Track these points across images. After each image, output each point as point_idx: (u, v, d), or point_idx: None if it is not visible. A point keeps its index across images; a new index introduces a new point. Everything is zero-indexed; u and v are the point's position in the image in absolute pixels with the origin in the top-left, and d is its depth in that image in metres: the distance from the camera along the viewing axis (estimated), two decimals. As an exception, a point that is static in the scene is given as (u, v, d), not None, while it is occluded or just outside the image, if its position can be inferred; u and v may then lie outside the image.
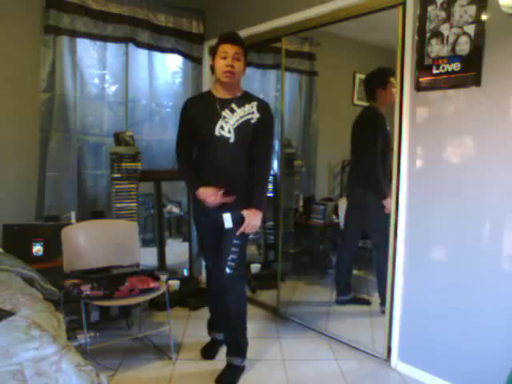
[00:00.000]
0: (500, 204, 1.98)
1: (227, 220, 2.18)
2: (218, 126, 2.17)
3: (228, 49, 2.17)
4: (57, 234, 2.49)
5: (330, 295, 3.53)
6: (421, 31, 2.18)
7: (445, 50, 2.09)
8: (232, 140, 2.17)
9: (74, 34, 3.05)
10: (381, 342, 2.53)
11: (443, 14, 2.08)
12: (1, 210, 2.82)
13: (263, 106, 2.25)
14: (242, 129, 2.18)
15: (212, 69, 2.26)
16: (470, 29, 1.98)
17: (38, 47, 2.93)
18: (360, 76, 4.10)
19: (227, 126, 2.17)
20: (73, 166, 3.11)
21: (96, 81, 3.27)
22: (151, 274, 2.58)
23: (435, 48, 2.12)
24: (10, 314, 1.52)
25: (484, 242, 2.04)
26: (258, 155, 2.23)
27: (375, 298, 3.37)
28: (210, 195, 2.16)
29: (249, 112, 2.20)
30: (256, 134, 2.20)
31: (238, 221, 2.18)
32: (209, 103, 2.24)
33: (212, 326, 2.60)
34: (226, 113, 2.19)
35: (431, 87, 2.17)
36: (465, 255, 2.11)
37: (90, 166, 3.24)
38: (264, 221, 2.08)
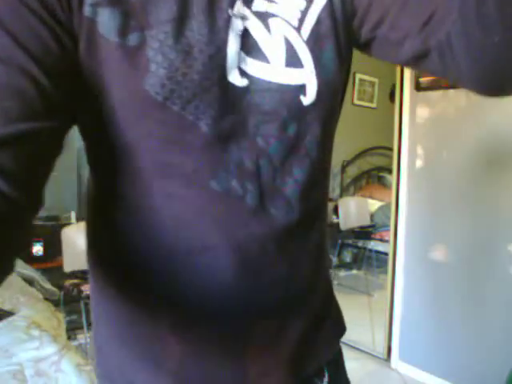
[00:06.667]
0: (500, 203, 1.98)
1: None
2: (233, 51, 0.44)
3: None
4: (57, 234, 2.48)
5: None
6: (421, 31, 2.18)
7: (445, 50, 2.08)
8: (312, 99, 0.48)
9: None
10: (381, 342, 2.53)
11: (443, 14, 2.08)
12: (1, 209, 2.81)
13: None
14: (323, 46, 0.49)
15: None
16: (470, 29, 1.98)
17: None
18: (360, 76, 4.10)
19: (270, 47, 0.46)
20: (73, 166, 3.11)
21: (96, 81, 3.27)
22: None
23: (435, 48, 2.12)
24: (9, 314, 1.52)
25: (484, 241, 2.04)
26: None
27: (375, 298, 3.37)
28: None
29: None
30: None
31: None
32: None
33: None
34: (251, 22, 0.45)
35: (431, 87, 2.17)
36: (465, 255, 2.11)
37: (89, 166, 3.24)
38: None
